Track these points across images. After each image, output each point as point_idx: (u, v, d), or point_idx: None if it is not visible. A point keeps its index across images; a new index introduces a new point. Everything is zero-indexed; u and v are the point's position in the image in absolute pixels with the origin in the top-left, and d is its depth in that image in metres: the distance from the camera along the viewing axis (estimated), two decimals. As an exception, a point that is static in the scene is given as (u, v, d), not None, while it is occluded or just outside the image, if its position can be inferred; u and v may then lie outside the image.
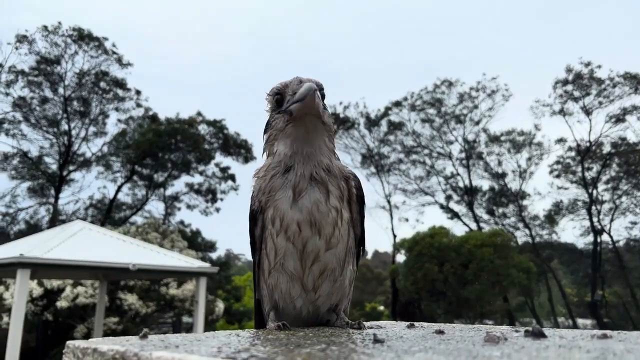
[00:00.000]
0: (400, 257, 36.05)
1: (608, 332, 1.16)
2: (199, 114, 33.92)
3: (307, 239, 1.44)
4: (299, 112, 1.46)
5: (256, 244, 1.54)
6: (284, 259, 1.46)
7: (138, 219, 34.07)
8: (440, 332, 1.23)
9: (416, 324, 1.50)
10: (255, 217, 1.52)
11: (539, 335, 1.09)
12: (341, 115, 36.42)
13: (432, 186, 38.97)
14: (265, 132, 1.60)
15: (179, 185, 37.32)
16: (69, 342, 1.06)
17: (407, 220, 39.27)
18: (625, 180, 37.65)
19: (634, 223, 39.24)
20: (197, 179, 35.91)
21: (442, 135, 37.82)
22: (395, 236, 37.85)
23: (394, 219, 38.53)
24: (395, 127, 36.75)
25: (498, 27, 68.47)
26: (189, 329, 31.24)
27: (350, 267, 1.53)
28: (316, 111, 1.46)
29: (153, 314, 22.94)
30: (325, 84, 1.53)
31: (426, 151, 37.99)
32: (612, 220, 38.42)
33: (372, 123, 36.98)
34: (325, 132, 1.55)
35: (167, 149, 32.52)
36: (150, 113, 33.83)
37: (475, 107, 37.26)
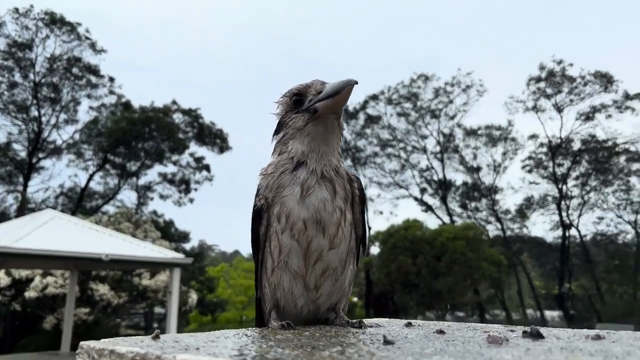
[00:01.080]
0: (375, 250, 36.42)
1: (600, 332, 1.22)
2: (174, 102, 33.54)
3: (312, 237, 1.46)
4: (326, 109, 1.50)
5: (259, 242, 1.54)
6: (288, 257, 1.47)
7: (110, 208, 33.62)
8: (441, 332, 1.27)
9: (413, 322, 1.55)
10: (260, 214, 1.52)
11: (537, 336, 1.14)
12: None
13: (406, 179, 39.41)
14: (276, 132, 1.62)
15: (152, 174, 36.89)
16: (83, 343, 1.07)
17: (381, 213, 39.75)
18: (593, 177, 38.68)
19: (601, 218, 40.41)
20: (170, 168, 35.57)
21: (417, 129, 38.26)
22: (369, 229, 38.20)
23: (369, 212, 38.90)
24: (372, 120, 37.00)
25: (475, 22, 69.16)
26: (161, 319, 31.05)
27: (351, 267, 1.56)
28: (341, 109, 1.53)
29: (125, 304, 22.72)
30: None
31: (401, 145, 38.42)
32: (580, 215, 39.50)
33: (349, 116, 37.12)
34: (339, 134, 1.61)
35: (140, 137, 32.08)
36: (124, 100, 33.31)
37: (451, 102, 37.75)
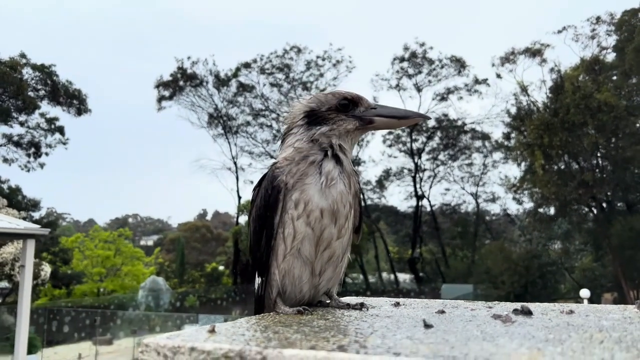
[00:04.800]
0: (244, 219, 36.54)
1: (567, 306, 1.52)
2: (23, 55, 29.89)
3: (326, 226, 1.54)
4: (384, 125, 1.67)
5: (272, 228, 1.57)
6: (302, 244, 1.54)
7: (-59, 172, 29.42)
8: (442, 312, 1.47)
9: (400, 301, 1.74)
10: (278, 198, 1.56)
11: (528, 312, 1.40)
12: (189, 71, 35.08)
13: (277, 150, 39.82)
14: (312, 123, 1.66)
15: (-7, 135, 32.82)
16: (149, 341, 1.07)
17: (252, 182, 39.84)
18: (443, 152, 42.58)
19: (448, 189, 44.86)
20: (17, 129, 31.97)
21: (290, 100, 38.71)
22: (240, 198, 38.18)
23: (240, 181, 38.83)
24: (244, 88, 36.56)
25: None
26: (6, 294, 28.29)
27: (348, 254, 1.69)
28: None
29: (-38, 280, 20.35)
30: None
31: (274, 115, 38.65)
32: (431, 186, 43.41)
33: (221, 82, 36.25)
34: None
35: (-20, 93, 28.26)
36: (-40, 49, 28.94)
37: (321, 75, 38.70)
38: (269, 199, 1.59)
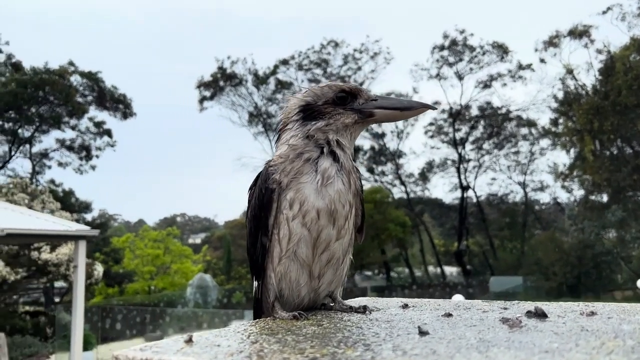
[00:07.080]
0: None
1: (591, 307, 1.38)
2: (71, 63, 31.09)
3: (323, 227, 1.46)
4: (386, 117, 1.58)
5: (266, 229, 1.50)
6: (297, 246, 1.47)
7: (0, 178, 30.97)
8: (449, 315, 1.36)
9: (409, 303, 1.63)
10: (272, 198, 1.49)
11: (542, 315, 1.27)
12: (228, 71, 35.55)
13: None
14: (308, 118, 1.56)
15: (48, 141, 34.34)
16: (119, 353, 1.02)
17: (294, 178, 40.12)
18: (488, 141, 41.49)
19: (494, 179, 43.70)
20: (69, 134, 33.31)
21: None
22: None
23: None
24: (283, 85, 36.74)
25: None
26: (64, 294, 29.51)
27: (350, 256, 1.60)
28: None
29: (22, 280, 21.36)
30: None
31: (312, 111, 38.63)
32: (476, 177, 42.39)
33: (260, 81, 36.59)
34: None
35: (33, 101, 29.52)
36: (13, 60, 30.32)
37: (359, 68, 38.43)
38: (262, 198, 1.51)
